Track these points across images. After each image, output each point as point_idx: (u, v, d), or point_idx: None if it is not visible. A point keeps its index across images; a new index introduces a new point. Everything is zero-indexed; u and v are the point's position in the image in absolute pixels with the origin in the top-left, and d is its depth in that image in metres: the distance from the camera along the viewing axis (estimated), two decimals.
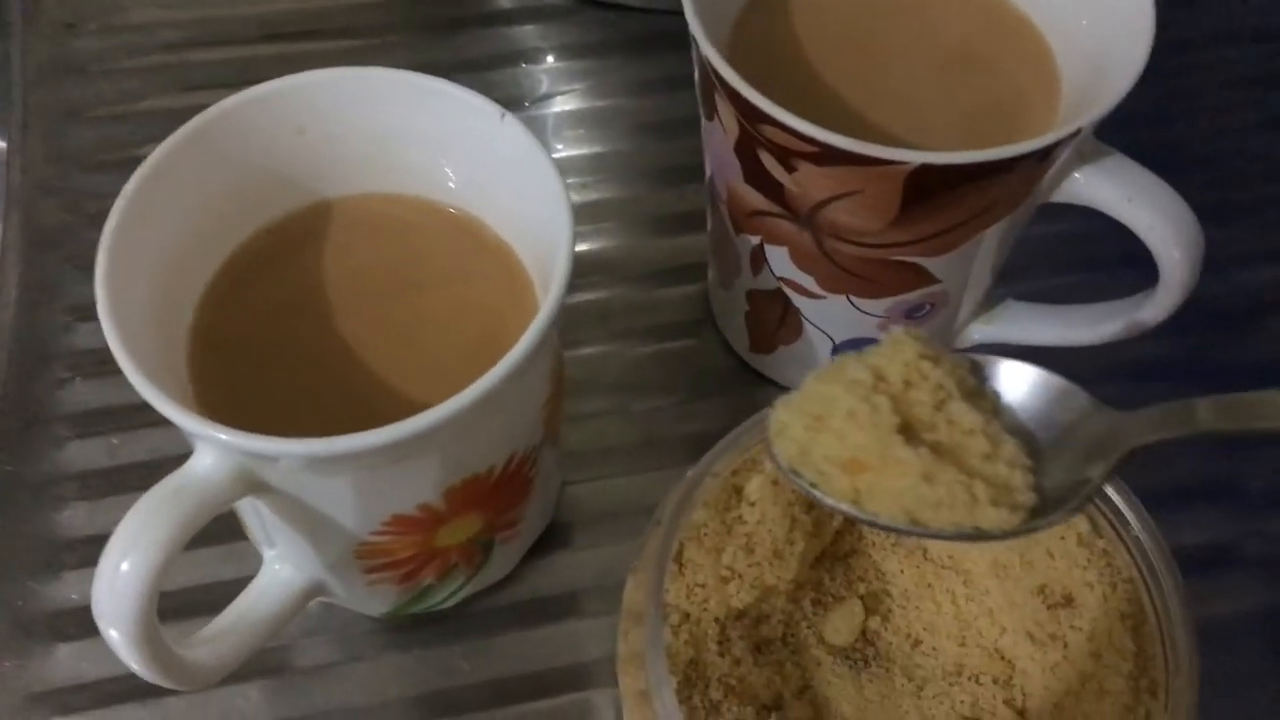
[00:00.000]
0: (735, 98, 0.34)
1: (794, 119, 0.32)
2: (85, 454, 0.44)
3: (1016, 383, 0.29)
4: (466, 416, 0.29)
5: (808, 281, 0.39)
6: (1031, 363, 0.30)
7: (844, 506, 0.27)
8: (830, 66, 0.39)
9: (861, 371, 0.28)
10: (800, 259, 0.38)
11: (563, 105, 0.55)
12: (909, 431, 0.27)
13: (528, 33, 0.57)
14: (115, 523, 0.28)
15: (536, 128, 0.54)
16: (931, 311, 0.40)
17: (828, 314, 0.40)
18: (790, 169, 0.34)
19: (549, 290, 0.31)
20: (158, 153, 0.33)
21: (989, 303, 0.43)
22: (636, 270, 0.50)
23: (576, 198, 0.51)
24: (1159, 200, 0.35)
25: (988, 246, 0.37)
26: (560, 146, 0.53)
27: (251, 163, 0.35)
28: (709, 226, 0.44)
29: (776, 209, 0.37)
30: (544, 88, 0.55)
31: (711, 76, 0.35)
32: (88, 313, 0.46)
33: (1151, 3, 0.35)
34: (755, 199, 0.37)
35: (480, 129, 0.35)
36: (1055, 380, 0.29)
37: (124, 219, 0.32)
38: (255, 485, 0.30)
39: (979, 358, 0.30)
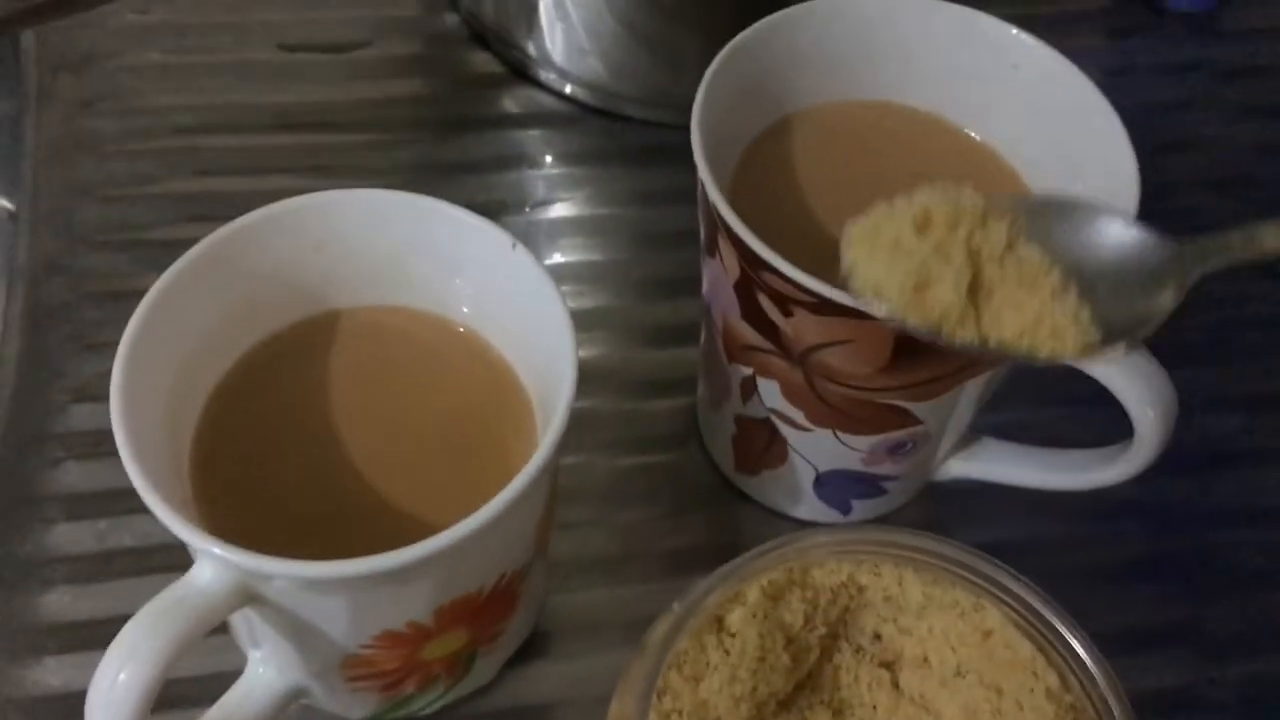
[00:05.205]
0: (738, 243, 0.35)
1: (795, 271, 0.34)
2: (74, 537, 0.43)
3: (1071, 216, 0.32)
4: (466, 544, 0.30)
5: (796, 415, 0.40)
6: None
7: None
8: (832, 210, 0.40)
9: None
10: (791, 394, 0.39)
11: (562, 211, 0.56)
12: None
13: (532, 137, 0.59)
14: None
15: (535, 232, 0.55)
16: (913, 448, 0.41)
17: (813, 445, 0.41)
18: (787, 313, 0.36)
19: (549, 420, 0.32)
20: (178, 265, 0.34)
21: (968, 439, 0.44)
22: (626, 380, 0.50)
23: (570, 304, 0.52)
24: (1135, 364, 0.36)
25: (970, 393, 0.39)
26: (557, 254, 0.54)
27: (268, 275, 0.36)
28: (702, 347, 0.45)
29: (770, 346, 0.38)
30: (544, 192, 0.57)
31: (716, 218, 0.36)
32: (85, 393, 0.47)
33: (1133, 157, 0.37)
34: (750, 335, 0.38)
35: (492, 255, 0.36)
36: (1105, 211, 0.31)
37: (141, 330, 0.32)
38: (252, 598, 0.31)
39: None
